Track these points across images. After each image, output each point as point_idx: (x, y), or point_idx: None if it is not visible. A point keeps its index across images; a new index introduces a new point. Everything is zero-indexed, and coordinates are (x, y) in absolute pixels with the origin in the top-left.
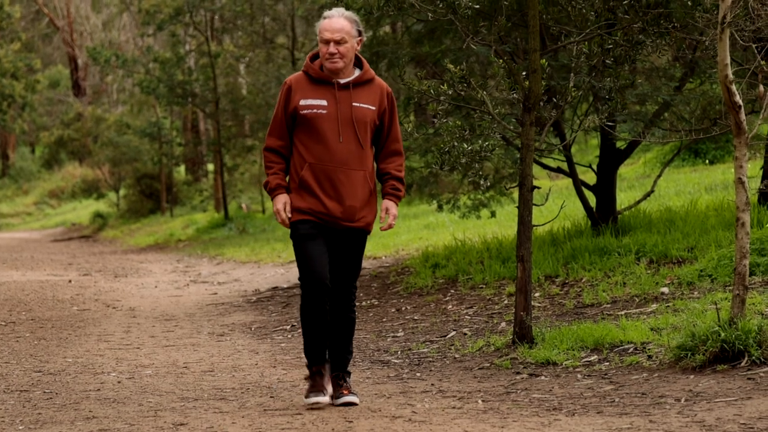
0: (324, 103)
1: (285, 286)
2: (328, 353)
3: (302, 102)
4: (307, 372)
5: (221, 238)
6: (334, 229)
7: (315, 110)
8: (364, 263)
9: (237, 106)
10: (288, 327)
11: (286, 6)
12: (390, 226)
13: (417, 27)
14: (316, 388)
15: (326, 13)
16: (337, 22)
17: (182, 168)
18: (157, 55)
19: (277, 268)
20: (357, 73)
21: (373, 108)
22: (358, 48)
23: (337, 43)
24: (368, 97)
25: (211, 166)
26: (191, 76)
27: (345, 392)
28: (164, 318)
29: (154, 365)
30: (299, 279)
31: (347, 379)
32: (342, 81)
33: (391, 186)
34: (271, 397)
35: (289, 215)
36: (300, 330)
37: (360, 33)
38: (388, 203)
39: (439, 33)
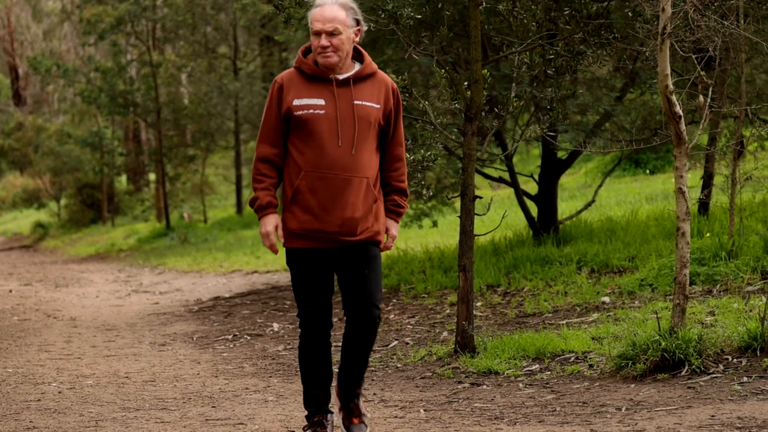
0: (321, 102)
1: (227, 295)
2: (340, 369)
3: (296, 102)
4: (305, 422)
5: (163, 247)
6: (334, 248)
7: (311, 110)
8: None
9: (179, 116)
10: (230, 337)
11: (228, 16)
12: (387, 248)
13: None
14: None
15: (318, 0)
16: (329, 10)
17: (124, 178)
18: (99, 65)
19: (219, 277)
20: (357, 67)
21: (378, 106)
22: (357, 39)
23: (330, 34)
24: (372, 93)
25: (152, 176)
26: (133, 86)
27: (356, 422)
28: (105, 328)
29: (95, 375)
30: (298, 315)
31: (360, 399)
32: (341, 77)
33: (392, 202)
34: (212, 407)
35: (281, 240)
36: (243, 339)
37: (358, 22)
38: (388, 222)
39: (381, 43)
